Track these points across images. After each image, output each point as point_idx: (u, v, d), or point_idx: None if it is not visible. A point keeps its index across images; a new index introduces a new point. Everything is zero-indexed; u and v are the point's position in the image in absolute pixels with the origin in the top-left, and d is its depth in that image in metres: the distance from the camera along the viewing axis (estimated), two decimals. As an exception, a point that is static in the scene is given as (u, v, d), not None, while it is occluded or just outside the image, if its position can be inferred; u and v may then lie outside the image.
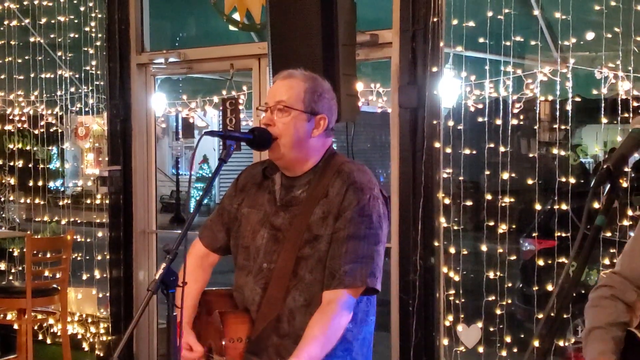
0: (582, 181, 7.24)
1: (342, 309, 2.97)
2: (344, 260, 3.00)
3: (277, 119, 3.07)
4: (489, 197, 5.42)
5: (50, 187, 8.07)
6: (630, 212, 4.85)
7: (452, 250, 5.43)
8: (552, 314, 1.91)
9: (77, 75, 7.48)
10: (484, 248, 5.45)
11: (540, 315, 5.35)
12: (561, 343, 5.39)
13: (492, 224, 5.45)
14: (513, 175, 5.40)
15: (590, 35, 5.32)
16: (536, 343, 2.00)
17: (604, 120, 5.19)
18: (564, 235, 5.34)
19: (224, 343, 3.01)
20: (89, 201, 7.58)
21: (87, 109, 7.50)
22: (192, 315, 3.23)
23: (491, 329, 5.47)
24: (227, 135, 2.96)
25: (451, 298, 5.40)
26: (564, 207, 5.29)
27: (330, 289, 3.00)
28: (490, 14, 5.34)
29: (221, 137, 2.95)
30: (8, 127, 8.18)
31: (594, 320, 2.61)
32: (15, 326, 7.08)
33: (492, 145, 5.43)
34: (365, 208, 3.05)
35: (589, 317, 2.65)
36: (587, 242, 1.92)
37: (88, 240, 7.49)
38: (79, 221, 7.72)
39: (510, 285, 5.55)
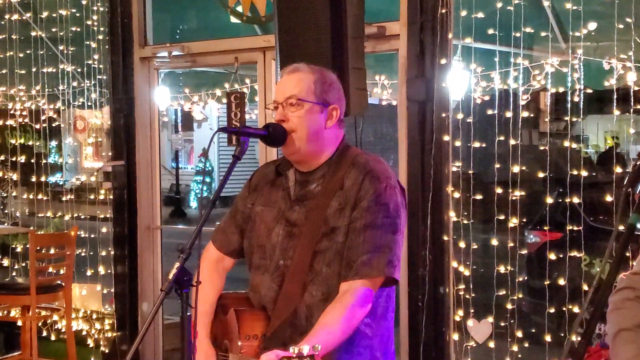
0: (594, 173, 7.20)
1: (357, 300, 2.88)
2: (361, 251, 2.93)
3: (290, 114, 3.02)
4: (494, 189, 5.37)
5: (50, 181, 8.01)
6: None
7: (462, 244, 5.38)
8: (587, 315, 1.85)
9: (79, 70, 7.43)
10: (490, 241, 5.41)
11: (552, 310, 5.32)
12: (574, 338, 5.34)
13: (496, 216, 5.40)
14: (519, 167, 5.35)
15: (598, 27, 5.28)
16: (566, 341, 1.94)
17: (609, 111, 5.16)
18: (569, 227, 5.29)
19: (239, 343, 2.96)
20: (92, 196, 7.53)
21: (89, 104, 7.44)
22: (210, 322, 3.18)
23: (502, 324, 5.43)
24: (241, 132, 2.91)
25: (461, 293, 5.35)
26: (568, 199, 5.25)
27: (347, 280, 2.93)
28: (499, 5, 5.28)
29: (235, 133, 2.91)
30: (10, 122, 8.11)
31: (620, 323, 2.53)
32: (19, 323, 7.05)
33: (501, 137, 5.38)
34: (382, 197, 2.99)
35: (613, 320, 2.57)
36: (621, 241, 1.86)
37: (92, 235, 7.44)
38: (82, 216, 7.67)
39: (521, 279, 5.51)
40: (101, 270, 7.28)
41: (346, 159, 3.09)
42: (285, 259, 3.05)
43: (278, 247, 3.08)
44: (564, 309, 5.35)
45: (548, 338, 5.25)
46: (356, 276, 2.92)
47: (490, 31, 5.36)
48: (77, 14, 7.30)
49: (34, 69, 7.70)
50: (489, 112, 5.49)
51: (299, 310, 2.99)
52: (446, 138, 5.26)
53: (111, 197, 7.03)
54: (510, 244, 5.53)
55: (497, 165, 5.38)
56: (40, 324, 7.40)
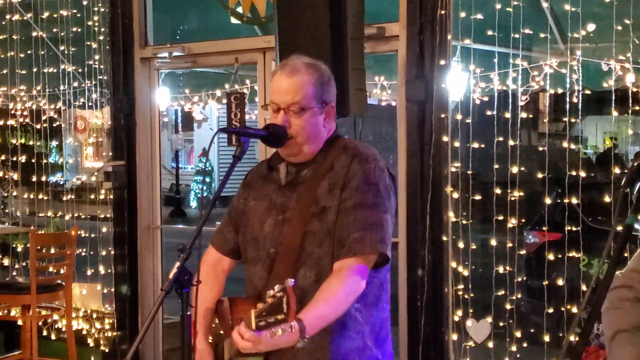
0: (593, 174, 7.22)
1: (354, 274, 2.89)
2: (353, 229, 2.94)
3: (293, 120, 3.03)
4: (493, 190, 5.39)
5: (50, 181, 8.03)
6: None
7: (461, 244, 5.39)
8: (584, 315, 1.87)
9: (79, 70, 7.44)
10: (489, 242, 5.42)
11: (550, 310, 5.33)
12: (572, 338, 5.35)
13: (495, 216, 5.41)
14: (517, 167, 5.37)
15: (597, 28, 5.30)
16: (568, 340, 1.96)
17: (607, 111, 5.18)
18: (568, 227, 5.31)
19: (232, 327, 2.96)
20: (92, 196, 7.55)
21: (90, 104, 7.46)
22: (208, 323, 3.17)
23: (501, 324, 5.44)
24: (241, 132, 2.92)
25: (460, 293, 5.37)
26: (567, 199, 5.27)
27: (340, 259, 2.94)
28: (498, 6, 5.30)
29: (236, 134, 2.92)
30: (11, 122, 8.12)
31: (618, 323, 2.52)
32: (20, 322, 7.06)
33: (500, 138, 5.40)
34: (371, 177, 3.02)
35: (611, 319, 2.56)
36: (618, 241, 1.87)
37: (92, 235, 7.45)
38: (82, 216, 7.68)
39: (519, 280, 5.53)
40: (101, 269, 7.30)
41: (336, 146, 3.13)
42: (276, 245, 3.07)
43: (269, 237, 3.10)
44: (563, 309, 5.37)
45: (547, 338, 5.27)
46: (349, 254, 2.93)
47: (489, 32, 5.38)
48: (78, 15, 7.31)
49: (34, 69, 7.70)
50: (488, 112, 5.51)
51: None
52: (445, 138, 5.28)
53: (111, 197, 7.04)
54: (509, 245, 5.54)
55: (496, 166, 5.40)
56: (40, 324, 7.40)
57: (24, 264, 8.00)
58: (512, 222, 5.42)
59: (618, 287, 2.60)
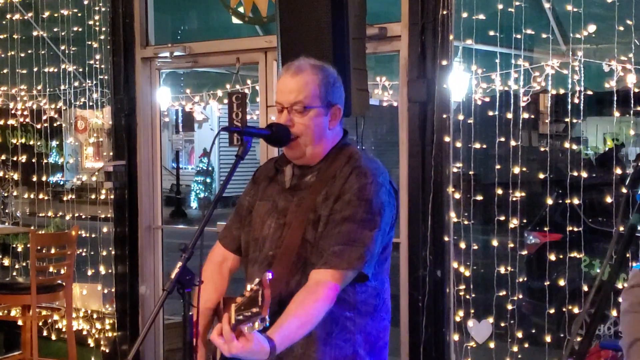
0: (593, 174, 7.22)
1: (327, 293, 2.87)
2: (334, 241, 2.93)
3: (296, 120, 3.02)
4: (495, 190, 5.38)
5: (50, 181, 8.02)
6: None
7: (462, 245, 5.39)
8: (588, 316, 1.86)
9: (80, 70, 7.43)
10: (490, 242, 5.42)
11: (551, 311, 5.33)
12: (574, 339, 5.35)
13: (496, 217, 5.41)
14: (519, 168, 5.36)
15: (598, 29, 5.29)
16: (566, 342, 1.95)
17: (608, 112, 5.17)
18: (569, 228, 5.30)
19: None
20: (93, 196, 7.55)
21: (90, 104, 7.45)
22: (205, 323, 3.13)
23: (502, 325, 5.44)
24: (244, 132, 2.91)
25: (461, 293, 5.36)
26: (568, 200, 5.26)
27: (316, 268, 2.93)
28: (500, 6, 5.29)
29: (238, 133, 2.91)
30: (11, 122, 8.12)
31: (637, 330, 2.40)
32: (20, 322, 7.05)
33: (502, 138, 5.39)
34: (365, 192, 2.99)
35: (630, 324, 2.44)
36: (622, 241, 1.86)
37: (93, 235, 7.45)
38: (83, 216, 7.68)
39: (520, 280, 5.52)
40: (102, 270, 7.29)
41: (343, 154, 3.11)
42: (275, 248, 3.06)
43: (268, 239, 3.09)
44: (564, 309, 5.37)
45: (548, 339, 5.26)
46: (324, 265, 2.91)
47: (491, 33, 5.38)
48: (79, 14, 7.30)
49: (35, 69, 7.70)
50: (490, 113, 5.50)
51: (284, 297, 2.93)
52: (447, 139, 5.27)
53: (112, 197, 7.04)
54: (511, 245, 5.54)
55: (498, 166, 5.40)
56: (40, 324, 7.40)
57: (24, 264, 8.00)
58: (514, 222, 5.41)
59: (636, 287, 2.47)
